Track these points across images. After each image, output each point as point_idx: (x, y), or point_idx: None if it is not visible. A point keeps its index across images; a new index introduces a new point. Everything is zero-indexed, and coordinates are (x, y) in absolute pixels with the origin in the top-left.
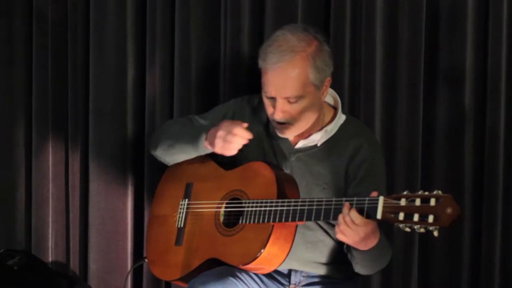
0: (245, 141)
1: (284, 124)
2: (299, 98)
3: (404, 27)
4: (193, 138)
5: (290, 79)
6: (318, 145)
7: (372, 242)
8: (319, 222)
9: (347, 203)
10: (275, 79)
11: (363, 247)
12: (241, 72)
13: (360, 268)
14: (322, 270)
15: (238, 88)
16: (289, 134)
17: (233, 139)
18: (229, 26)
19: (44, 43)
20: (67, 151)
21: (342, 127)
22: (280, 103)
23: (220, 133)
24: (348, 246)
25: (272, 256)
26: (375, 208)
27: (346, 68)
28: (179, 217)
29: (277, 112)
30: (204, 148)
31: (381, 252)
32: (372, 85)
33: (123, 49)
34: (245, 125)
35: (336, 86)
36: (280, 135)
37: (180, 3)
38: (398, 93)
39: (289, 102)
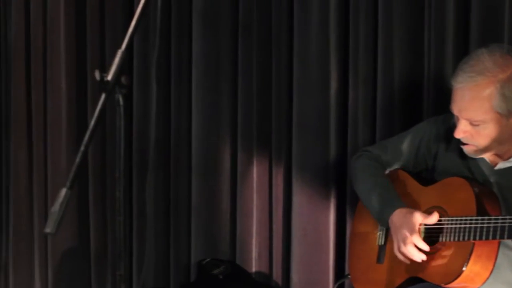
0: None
1: (467, 145)
2: (481, 122)
3: None
4: (378, 214)
5: (468, 101)
6: None
7: None
8: None
9: None
10: (457, 98)
11: None
12: (445, 86)
13: None
14: None
15: (442, 102)
16: (474, 155)
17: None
18: (433, 39)
19: (249, 56)
20: (271, 163)
21: None
22: (462, 123)
23: (395, 241)
24: None
25: (474, 274)
26: None
27: None
28: (379, 234)
29: (457, 131)
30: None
31: None
32: None
33: (326, 62)
34: (424, 248)
35: None
36: (466, 153)
37: (383, 16)
38: None
39: (471, 124)
